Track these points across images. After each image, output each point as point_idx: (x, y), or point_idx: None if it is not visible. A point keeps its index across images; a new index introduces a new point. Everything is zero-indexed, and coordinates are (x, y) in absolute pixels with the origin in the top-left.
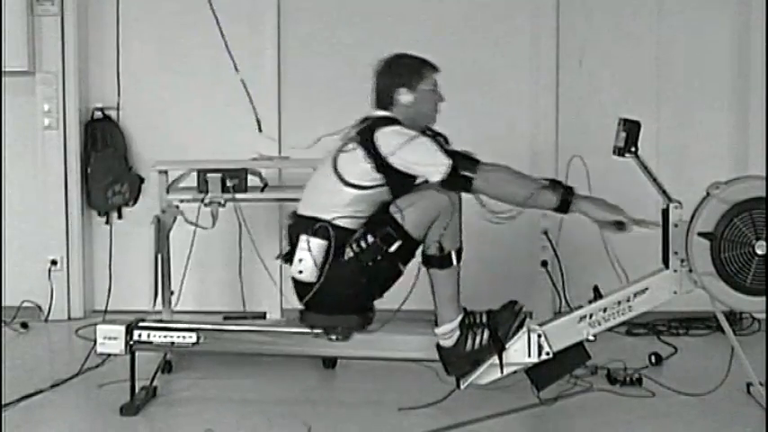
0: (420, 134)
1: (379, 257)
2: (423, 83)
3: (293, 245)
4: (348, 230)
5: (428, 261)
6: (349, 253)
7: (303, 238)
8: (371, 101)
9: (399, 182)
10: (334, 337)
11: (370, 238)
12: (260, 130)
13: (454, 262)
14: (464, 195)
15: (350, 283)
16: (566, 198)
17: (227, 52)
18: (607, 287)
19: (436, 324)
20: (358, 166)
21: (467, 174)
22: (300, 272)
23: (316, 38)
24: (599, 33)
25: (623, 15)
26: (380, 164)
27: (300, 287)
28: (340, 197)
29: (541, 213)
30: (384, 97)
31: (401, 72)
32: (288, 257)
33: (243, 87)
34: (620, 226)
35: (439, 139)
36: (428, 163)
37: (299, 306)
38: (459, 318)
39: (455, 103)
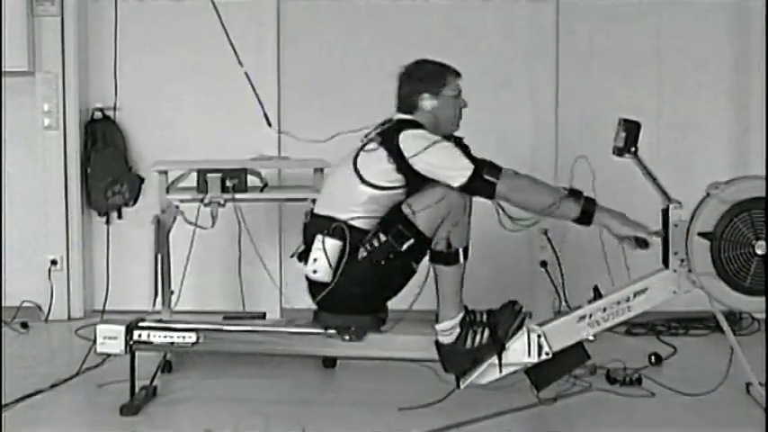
0: (443, 138)
1: (391, 256)
2: (446, 88)
3: (308, 244)
4: (363, 231)
5: (435, 257)
6: (362, 253)
7: (318, 237)
8: (395, 106)
9: (419, 185)
10: (347, 337)
11: (382, 237)
12: (269, 124)
13: (461, 259)
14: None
15: (363, 283)
16: (587, 209)
17: (227, 51)
18: (607, 287)
19: (437, 320)
20: (379, 165)
21: (490, 179)
22: (315, 271)
23: (315, 38)
24: (602, 37)
25: (625, 19)
26: (402, 165)
27: (314, 287)
28: (357, 196)
29: None
30: (408, 102)
31: (425, 77)
32: (302, 256)
33: (248, 81)
34: (642, 244)
35: (464, 149)
36: (451, 167)
37: (313, 306)
38: (461, 316)
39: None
